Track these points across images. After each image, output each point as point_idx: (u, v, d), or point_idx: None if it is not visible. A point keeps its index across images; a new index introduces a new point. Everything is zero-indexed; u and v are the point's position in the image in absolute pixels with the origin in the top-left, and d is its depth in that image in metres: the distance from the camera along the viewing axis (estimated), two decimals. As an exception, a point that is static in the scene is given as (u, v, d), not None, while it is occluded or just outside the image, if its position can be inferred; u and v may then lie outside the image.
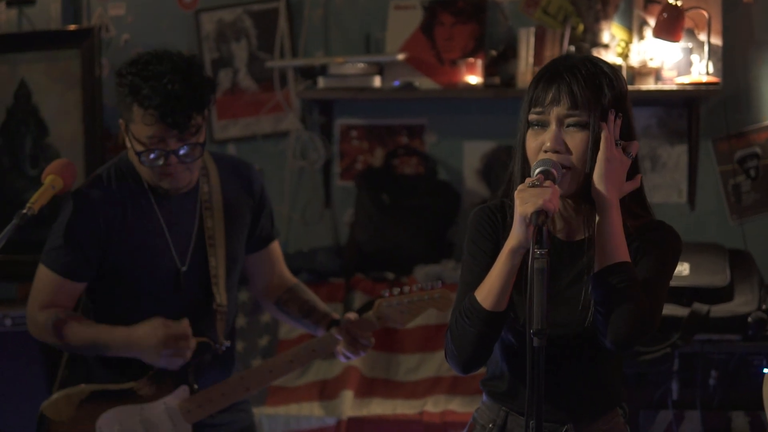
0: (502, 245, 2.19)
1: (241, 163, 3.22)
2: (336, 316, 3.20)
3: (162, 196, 3.00)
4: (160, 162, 2.88)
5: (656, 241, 2.29)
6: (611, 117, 2.18)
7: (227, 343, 3.11)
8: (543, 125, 2.20)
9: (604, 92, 2.19)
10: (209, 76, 2.95)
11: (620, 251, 2.17)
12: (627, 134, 2.23)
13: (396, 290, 3.05)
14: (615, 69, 2.25)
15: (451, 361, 2.29)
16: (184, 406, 3.03)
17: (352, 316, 3.10)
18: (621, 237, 2.19)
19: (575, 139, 2.18)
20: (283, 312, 3.28)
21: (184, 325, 2.96)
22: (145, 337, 2.94)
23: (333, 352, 3.12)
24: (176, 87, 2.80)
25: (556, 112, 2.18)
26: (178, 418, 3.03)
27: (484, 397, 2.43)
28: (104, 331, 2.98)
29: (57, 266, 2.97)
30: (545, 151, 2.18)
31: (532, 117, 2.21)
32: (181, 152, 2.87)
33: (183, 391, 3.04)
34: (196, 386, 3.05)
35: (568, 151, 2.18)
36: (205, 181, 3.06)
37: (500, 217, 2.32)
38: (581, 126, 2.17)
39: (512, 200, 2.14)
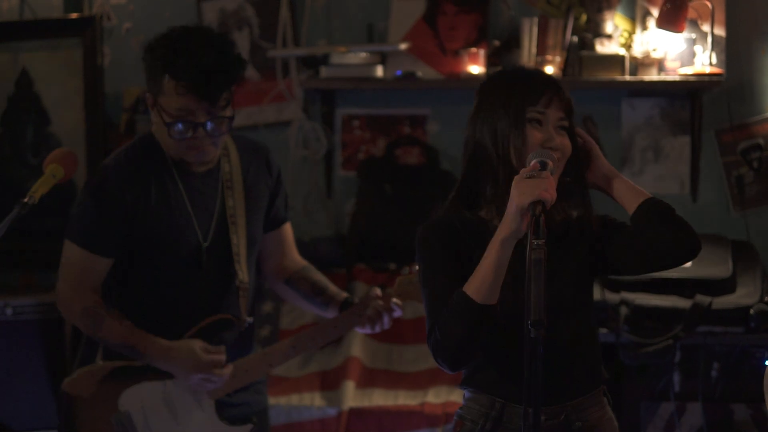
0: (462, 256, 2.29)
1: (259, 144, 3.25)
2: (346, 295, 3.24)
3: (185, 173, 3.03)
4: (189, 134, 2.91)
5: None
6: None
7: (249, 320, 3.14)
8: (542, 123, 2.32)
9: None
10: (240, 53, 2.98)
11: (644, 192, 2.37)
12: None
13: (415, 267, 3.07)
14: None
15: (441, 359, 2.28)
16: None
17: (378, 291, 3.15)
18: (636, 186, 2.39)
19: (565, 140, 2.34)
20: (293, 290, 3.30)
21: (221, 355, 3.01)
22: (183, 357, 2.99)
23: (356, 327, 3.17)
24: (209, 60, 2.85)
25: (556, 115, 2.33)
26: (201, 394, 3.06)
27: (468, 393, 2.41)
28: (143, 339, 2.99)
29: (84, 240, 2.99)
30: (548, 147, 2.29)
31: (533, 114, 2.31)
32: (209, 126, 2.90)
33: None
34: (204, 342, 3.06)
35: (557, 150, 2.32)
36: (226, 161, 3.09)
37: (459, 230, 2.35)
38: (566, 129, 2.34)
39: (504, 192, 2.23)
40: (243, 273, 3.09)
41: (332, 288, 3.28)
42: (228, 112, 2.94)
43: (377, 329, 3.16)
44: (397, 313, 3.16)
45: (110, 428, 3.02)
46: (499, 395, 2.35)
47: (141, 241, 3.00)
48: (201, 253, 3.03)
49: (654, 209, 2.33)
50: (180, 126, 2.90)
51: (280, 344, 3.19)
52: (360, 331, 3.23)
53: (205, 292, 3.05)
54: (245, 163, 3.13)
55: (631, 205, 2.35)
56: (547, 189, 2.09)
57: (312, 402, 4.21)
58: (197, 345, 3.00)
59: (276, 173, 3.22)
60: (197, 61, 2.84)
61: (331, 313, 3.22)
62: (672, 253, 2.33)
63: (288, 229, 3.31)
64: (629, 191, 2.37)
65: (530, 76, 2.37)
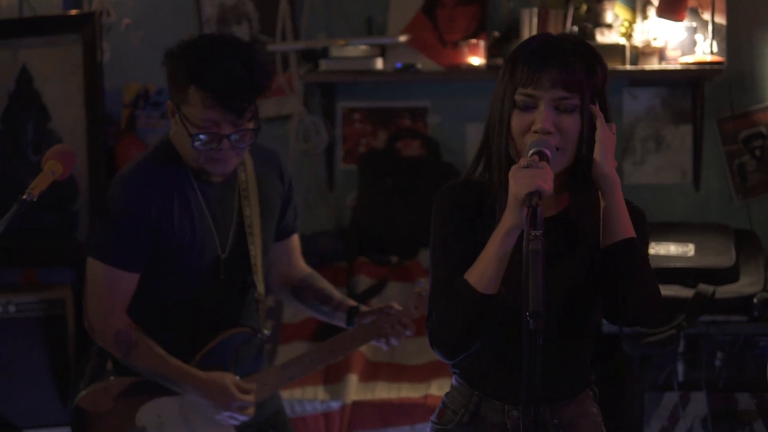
0: (477, 225, 2.20)
1: (272, 152, 3.19)
2: (353, 302, 3.21)
3: (204, 182, 2.97)
4: (213, 145, 2.84)
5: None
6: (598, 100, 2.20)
7: (267, 333, 3.12)
8: (531, 106, 2.18)
9: (597, 75, 2.20)
10: (267, 63, 2.92)
11: (628, 227, 2.18)
12: (606, 116, 2.23)
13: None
14: (597, 50, 2.25)
15: (438, 347, 2.24)
16: None
17: (398, 306, 3.12)
18: (626, 214, 2.19)
19: (567, 122, 2.16)
20: (299, 300, 3.28)
21: (251, 396, 2.99)
22: (216, 393, 2.96)
23: (373, 340, 3.14)
24: (237, 71, 2.78)
25: (549, 95, 2.16)
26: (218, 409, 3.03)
27: (454, 381, 2.39)
28: (175, 368, 2.96)
29: (109, 256, 2.91)
30: (535, 132, 2.16)
31: (519, 98, 2.18)
32: (234, 137, 2.84)
33: None
34: (237, 376, 3.03)
35: (559, 133, 2.16)
36: (242, 170, 3.03)
37: (475, 196, 2.27)
38: (573, 108, 2.17)
39: (498, 180, 2.17)
40: (261, 285, 3.06)
41: (337, 295, 3.24)
42: (252, 124, 2.87)
43: (395, 344, 3.14)
44: (408, 333, 3.15)
45: None
46: (477, 389, 2.33)
47: (163, 252, 2.93)
48: (219, 264, 2.99)
49: (625, 256, 2.17)
50: (205, 137, 2.83)
51: (300, 358, 3.17)
52: (385, 348, 3.18)
53: (224, 303, 3.01)
54: (260, 171, 3.08)
55: (605, 238, 2.20)
56: (544, 179, 2.03)
57: (315, 395, 4.20)
58: (231, 382, 2.97)
59: (288, 181, 3.17)
60: (225, 73, 2.77)
61: (338, 321, 3.19)
62: (623, 316, 2.21)
63: (296, 239, 3.27)
64: (612, 220, 2.19)
65: (533, 52, 2.19)
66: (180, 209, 2.93)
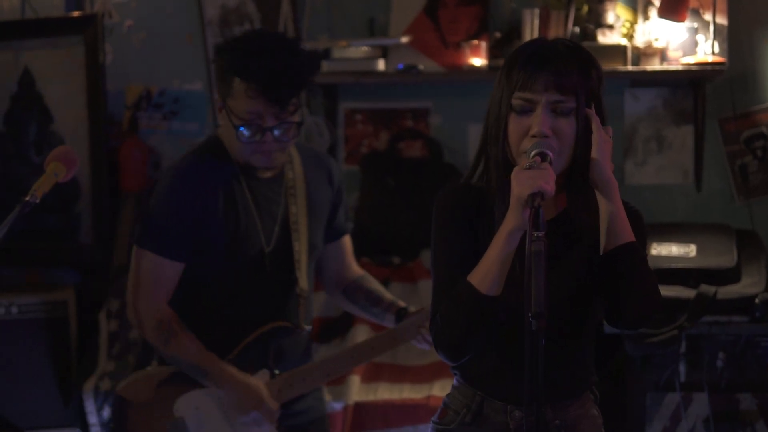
0: (477, 227, 2.22)
1: (322, 154, 3.26)
2: (403, 304, 3.23)
3: (251, 178, 3.02)
4: (257, 138, 2.90)
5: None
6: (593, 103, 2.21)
7: (308, 328, 3.14)
8: (528, 110, 2.19)
9: (592, 78, 2.22)
10: (312, 54, 3.00)
11: (627, 231, 2.19)
12: (602, 119, 2.24)
13: None
14: (593, 54, 2.27)
15: (442, 350, 2.24)
16: None
17: None
18: (625, 217, 2.20)
19: (564, 125, 2.18)
20: (350, 301, 3.31)
21: (276, 409, 3.02)
22: (250, 396, 2.99)
23: (412, 340, 3.15)
24: (281, 63, 2.84)
25: (545, 98, 2.17)
26: None
27: (456, 381, 2.39)
28: (213, 363, 2.99)
29: (155, 245, 2.97)
30: (533, 136, 2.17)
31: (516, 102, 2.20)
32: (277, 131, 2.90)
33: (263, 375, 3.07)
34: (276, 371, 3.07)
35: (556, 136, 2.18)
36: (290, 168, 3.09)
37: (475, 199, 2.28)
38: (569, 111, 2.18)
39: (496, 183, 2.19)
40: (303, 281, 3.09)
41: (388, 297, 3.26)
42: (296, 118, 2.93)
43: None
44: None
45: None
46: (480, 389, 2.33)
47: (207, 244, 2.98)
48: (264, 257, 3.03)
49: (625, 260, 2.18)
50: (248, 129, 2.89)
51: (338, 354, 3.21)
52: (416, 345, 3.19)
53: (266, 297, 3.05)
54: (308, 172, 3.12)
55: (606, 242, 2.20)
56: (546, 180, 2.03)
57: (317, 396, 4.21)
58: (265, 390, 3.01)
59: (337, 183, 3.21)
60: (268, 64, 2.83)
61: (388, 323, 3.21)
62: (623, 319, 2.21)
63: (347, 240, 3.31)
64: (612, 224, 2.19)
65: (529, 56, 2.21)
66: (225, 202, 2.98)
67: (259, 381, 3.02)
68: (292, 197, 3.07)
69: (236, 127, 2.90)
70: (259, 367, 3.07)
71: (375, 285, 3.31)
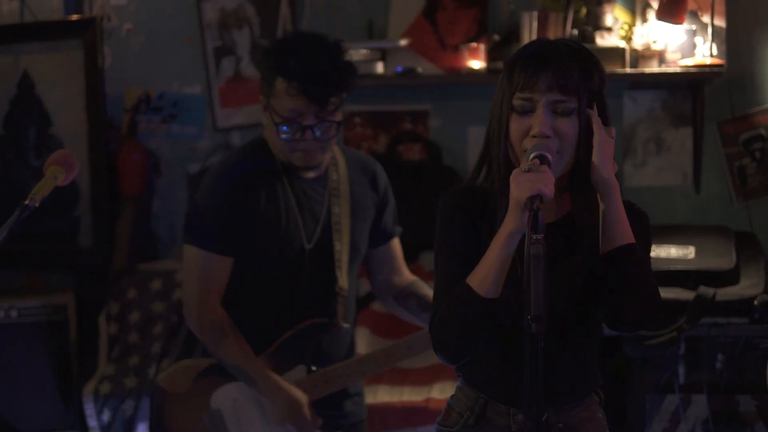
0: (481, 229, 2.22)
1: (368, 158, 3.30)
2: None
3: (294, 177, 3.07)
4: (297, 135, 2.96)
5: (633, 224, 2.24)
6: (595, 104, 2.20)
7: (346, 326, 3.16)
8: (529, 110, 2.18)
9: (594, 79, 2.21)
10: (351, 61, 3.04)
11: (627, 233, 2.18)
12: (605, 119, 2.23)
13: None
14: (595, 55, 2.26)
15: (441, 352, 2.24)
16: (300, 385, 3.06)
17: None
18: (626, 219, 2.19)
19: (565, 125, 2.17)
20: (401, 306, 3.32)
21: (317, 422, 3.04)
22: (290, 406, 3.01)
23: None
24: (321, 62, 2.91)
25: (546, 98, 2.16)
26: None
27: (460, 382, 2.39)
28: (259, 369, 3.02)
29: (204, 241, 3.02)
30: (533, 137, 2.17)
31: (517, 102, 2.19)
32: (317, 130, 2.95)
33: (300, 370, 3.10)
34: (313, 367, 3.10)
35: (557, 137, 2.17)
36: (334, 170, 3.14)
37: (479, 201, 2.28)
38: (570, 111, 2.17)
39: (499, 184, 2.18)
40: (343, 279, 3.12)
41: None
42: (337, 117, 2.98)
43: None
44: None
45: (201, 425, 3.05)
46: (483, 391, 2.32)
47: (250, 241, 3.03)
48: (304, 255, 3.07)
49: (624, 262, 2.17)
50: (289, 127, 2.95)
51: (375, 353, 3.22)
52: None
53: (305, 295, 3.08)
54: (352, 175, 3.17)
55: (605, 244, 2.19)
56: (545, 183, 2.02)
57: (317, 399, 4.21)
58: (306, 402, 3.03)
59: (383, 187, 3.25)
60: (309, 63, 2.90)
61: None
62: (622, 322, 2.19)
63: (396, 244, 3.34)
64: (611, 225, 2.18)
65: (530, 56, 2.20)
66: (267, 200, 3.04)
67: (302, 394, 3.03)
68: (336, 198, 3.12)
69: (277, 125, 2.96)
70: (296, 363, 3.10)
71: (427, 291, 3.29)
